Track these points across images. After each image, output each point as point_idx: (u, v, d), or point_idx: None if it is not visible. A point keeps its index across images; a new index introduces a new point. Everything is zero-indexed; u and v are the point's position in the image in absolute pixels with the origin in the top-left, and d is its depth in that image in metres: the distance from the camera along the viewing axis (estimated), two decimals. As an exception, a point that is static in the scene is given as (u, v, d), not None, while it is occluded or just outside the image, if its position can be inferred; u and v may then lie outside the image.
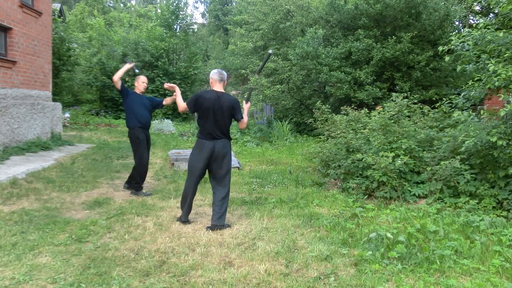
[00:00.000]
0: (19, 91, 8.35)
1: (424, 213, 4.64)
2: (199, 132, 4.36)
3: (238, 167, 7.85)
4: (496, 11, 9.56)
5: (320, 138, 8.28)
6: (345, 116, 7.96)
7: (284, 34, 17.67)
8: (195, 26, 29.24)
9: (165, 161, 8.16)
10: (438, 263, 3.32)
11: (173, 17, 18.81)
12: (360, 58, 12.95)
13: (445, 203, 5.06)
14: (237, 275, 3.10)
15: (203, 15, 44.95)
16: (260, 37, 18.53)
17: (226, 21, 30.64)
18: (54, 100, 10.65)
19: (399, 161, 5.36)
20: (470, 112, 5.65)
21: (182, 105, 4.47)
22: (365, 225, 4.32)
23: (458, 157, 5.09)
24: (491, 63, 4.90)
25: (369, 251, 3.53)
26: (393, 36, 12.45)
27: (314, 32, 13.35)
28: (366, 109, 7.97)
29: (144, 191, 5.77)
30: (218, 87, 4.37)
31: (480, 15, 14.95)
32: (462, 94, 6.13)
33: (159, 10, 20.86)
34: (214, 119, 4.23)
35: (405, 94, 7.03)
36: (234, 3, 35.56)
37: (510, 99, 5.14)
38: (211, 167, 4.33)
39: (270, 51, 5.10)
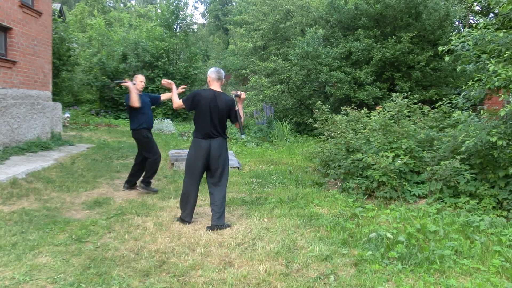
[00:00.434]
0: (19, 91, 8.35)
1: (424, 213, 4.63)
2: (195, 131, 4.37)
3: (238, 167, 7.85)
4: (496, 11, 9.55)
5: (320, 138, 8.28)
6: (345, 116, 7.97)
7: (284, 34, 17.69)
8: (195, 26, 29.20)
9: (165, 161, 8.16)
10: (438, 263, 3.32)
11: (173, 17, 18.79)
12: (360, 58, 12.95)
13: (445, 203, 5.06)
14: (237, 275, 3.10)
15: (203, 15, 45.00)
16: (260, 37, 18.56)
17: (226, 21, 30.62)
18: (54, 100, 10.64)
19: (399, 161, 5.35)
20: (470, 112, 5.65)
21: (177, 102, 4.48)
22: (365, 225, 4.32)
23: (458, 157, 5.09)
24: (491, 63, 4.90)
25: (369, 251, 3.53)
26: (393, 36, 12.45)
27: (314, 32, 13.36)
28: (366, 109, 7.98)
29: (152, 186, 5.91)
30: (215, 86, 4.37)
31: (480, 15, 14.93)
32: (462, 94, 6.13)
33: (159, 10, 20.81)
34: (210, 117, 4.24)
35: (405, 94, 7.03)
36: (234, 3, 35.54)
37: (510, 99, 5.14)
38: (208, 166, 4.34)
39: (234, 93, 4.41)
